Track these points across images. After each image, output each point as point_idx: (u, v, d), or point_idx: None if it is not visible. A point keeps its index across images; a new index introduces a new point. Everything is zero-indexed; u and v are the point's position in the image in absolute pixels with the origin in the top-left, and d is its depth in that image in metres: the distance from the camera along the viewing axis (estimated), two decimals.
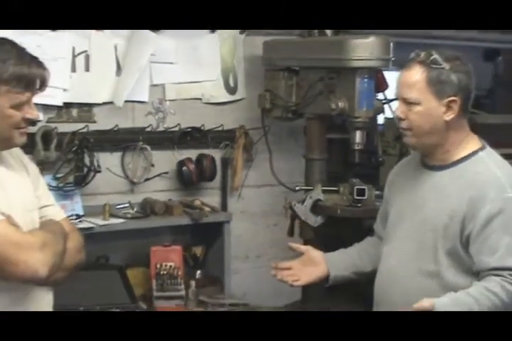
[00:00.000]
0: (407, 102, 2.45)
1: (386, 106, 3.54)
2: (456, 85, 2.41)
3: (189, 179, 3.56)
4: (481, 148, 2.51)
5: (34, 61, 2.19)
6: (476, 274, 2.39)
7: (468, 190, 2.41)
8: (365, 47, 3.11)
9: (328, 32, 3.72)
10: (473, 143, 2.51)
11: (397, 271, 2.56)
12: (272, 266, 2.84)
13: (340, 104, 3.16)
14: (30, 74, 2.17)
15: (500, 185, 2.39)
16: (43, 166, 3.06)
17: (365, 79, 3.15)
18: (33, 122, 2.28)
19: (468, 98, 2.46)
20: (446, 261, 2.44)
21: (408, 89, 2.44)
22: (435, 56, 2.42)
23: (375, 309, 2.58)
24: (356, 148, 3.24)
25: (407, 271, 2.52)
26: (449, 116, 2.43)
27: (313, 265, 2.79)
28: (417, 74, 2.43)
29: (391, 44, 3.15)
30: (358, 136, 3.22)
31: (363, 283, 2.67)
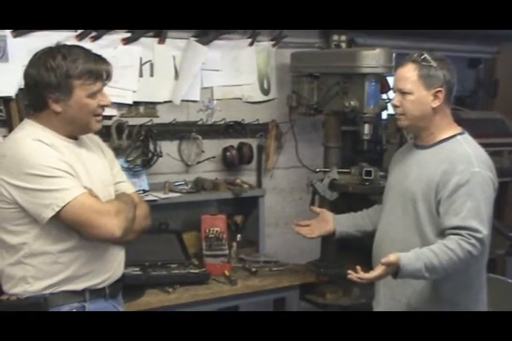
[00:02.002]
0: (402, 92, 2.45)
1: (388, 105, 3.51)
2: (441, 79, 2.41)
3: (232, 162, 3.56)
4: (460, 134, 2.49)
5: (99, 58, 2.19)
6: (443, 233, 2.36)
7: (443, 164, 2.39)
8: (372, 57, 3.08)
9: (343, 45, 3.72)
10: (453, 129, 2.50)
11: (388, 230, 2.56)
12: (294, 222, 2.98)
13: (352, 102, 3.14)
14: (97, 68, 2.15)
15: (470, 161, 2.37)
16: (117, 151, 3.07)
17: (372, 83, 3.12)
18: (108, 116, 2.27)
19: (451, 90, 2.45)
20: (426, 221, 2.41)
21: (403, 81, 2.44)
22: (425, 56, 2.42)
23: (373, 260, 2.55)
24: (365, 138, 3.21)
25: (395, 229, 2.51)
26: (436, 104, 2.43)
27: (325, 223, 2.89)
28: (410, 69, 2.43)
29: (393, 55, 3.12)
30: (366, 129, 3.19)
31: (371, 246, 2.66)
